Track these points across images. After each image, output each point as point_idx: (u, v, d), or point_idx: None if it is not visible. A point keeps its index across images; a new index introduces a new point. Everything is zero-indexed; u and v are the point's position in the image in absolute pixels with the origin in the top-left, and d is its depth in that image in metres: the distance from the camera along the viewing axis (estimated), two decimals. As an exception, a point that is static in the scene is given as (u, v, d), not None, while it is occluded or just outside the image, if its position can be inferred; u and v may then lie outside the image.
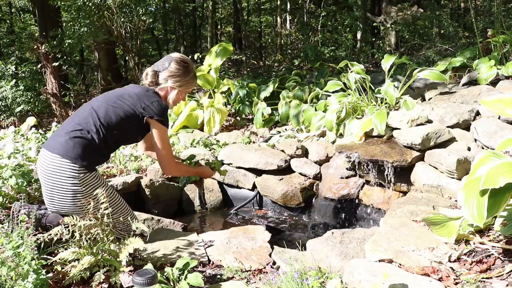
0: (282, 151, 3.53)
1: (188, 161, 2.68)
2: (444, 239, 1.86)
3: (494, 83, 3.75)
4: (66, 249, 1.88)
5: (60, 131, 2.17)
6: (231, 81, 5.50)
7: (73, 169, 2.05)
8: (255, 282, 1.90)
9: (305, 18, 10.51)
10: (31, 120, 5.52)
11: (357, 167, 3.04)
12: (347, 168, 3.17)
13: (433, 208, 2.36)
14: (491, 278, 1.59)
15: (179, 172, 2.51)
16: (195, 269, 1.97)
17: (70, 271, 1.78)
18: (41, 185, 2.18)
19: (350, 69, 3.89)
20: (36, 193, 2.78)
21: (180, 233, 2.43)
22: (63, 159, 2.05)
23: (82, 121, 2.14)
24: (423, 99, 4.02)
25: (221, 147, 3.82)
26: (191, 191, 3.51)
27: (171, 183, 3.42)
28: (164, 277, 1.82)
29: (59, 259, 1.82)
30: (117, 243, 1.93)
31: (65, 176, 2.05)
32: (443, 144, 2.87)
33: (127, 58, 10.17)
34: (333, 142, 3.61)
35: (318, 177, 3.34)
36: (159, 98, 2.23)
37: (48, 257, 1.95)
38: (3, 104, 7.32)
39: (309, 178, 3.33)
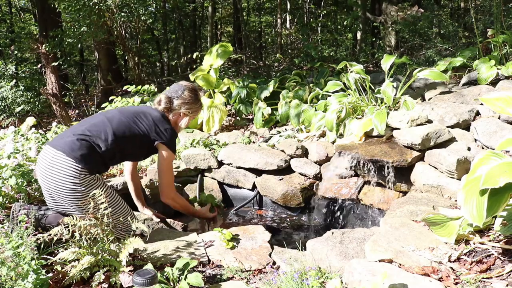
0: (282, 151, 3.53)
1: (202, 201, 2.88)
2: (444, 239, 1.86)
3: (494, 83, 3.75)
4: (66, 249, 1.88)
5: (68, 132, 2.22)
6: (231, 81, 5.50)
7: (75, 169, 2.07)
8: (255, 282, 1.90)
9: (305, 18, 10.50)
10: (30, 120, 5.52)
11: (357, 167, 3.04)
12: (347, 168, 3.17)
13: (433, 208, 2.36)
14: (491, 278, 1.59)
15: (174, 202, 2.53)
16: (195, 269, 1.97)
17: (70, 271, 1.78)
18: (40, 182, 2.19)
19: (350, 69, 3.89)
20: (36, 193, 2.78)
21: (180, 233, 2.43)
22: (67, 157, 2.08)
23: (92, 127, 2.20)
24: (423, 99, 4.02)
25: (221, 147, 3.82)
26: (191, 191, 3.51)
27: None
28: (164, 277, 1.82)
29: (59, 259, 1.82)
30: (117, 243, 1.93)
31: (66, 174, 2.06)
32: (443, 144, 2.87)
33: (127, 58, 10.16)
34: (333, 142, 3.61)
35: (318, 177, 3.34)
36: (170, 126, 2.39)
37: (48, 257, 1.95)
38: (3, 104, 7.31)
39: (309, 178, 3.33)
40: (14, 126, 4.70)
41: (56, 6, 6.70)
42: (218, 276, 1.94)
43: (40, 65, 7.97)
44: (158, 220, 2.74)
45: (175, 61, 10.65)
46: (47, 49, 6.39)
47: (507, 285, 1.52)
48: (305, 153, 3.51)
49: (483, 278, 1.60)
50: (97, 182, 2.16)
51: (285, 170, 3.39)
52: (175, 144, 2.41)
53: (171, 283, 1.81)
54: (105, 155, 2.20)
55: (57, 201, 2.16)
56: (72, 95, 9.08)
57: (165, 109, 2.42)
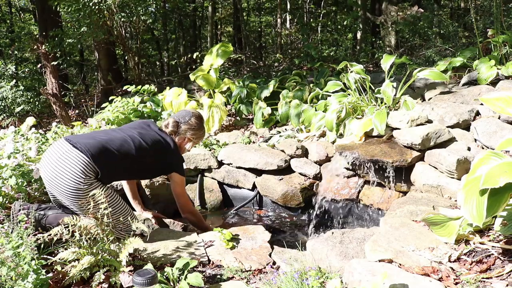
0: (282, 151, 3.53)
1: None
2: (444, 239, 1.86)
3: (494, 83, 3.75)
4: (66, 249, 1.88)
5: (89, 136, 2.27)
6: (231, 81, 5.50)
7: (84, 169, 2.08)
8: (255, 282, 1.91)
9: (305, 18, 10.50)
10: (30, 120, 5.50)
11: (357, 167, 3.04)
12: (347, 168, 3.17)
13: (433, 208, 2.36)
14: (491, 278, 1.59)
15: (192, 215, 2.67)
16: (195, 269, 1.97)
17: (70, 271, 1.78)
18: (44, 175, 2.18)
19: (350, 69, 3.89)
20: (36, 193, 2.78)
21: (180, 233, 2.43)
22: (83, 156, 2.10)
23: (115, 141, 2.26)
24: (423, 99, 4.02)
25: (221, 147, 3.82)
26: (191, 191, 3.51)
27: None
28: (164, 277, 1.82)
29: (59, 259, 1.82)
30: (117, 243, 1.93)
31: (74, 170, 2.08)
32: (443, 144, 2.88)
33: (127, 58, 10.16)
34: (333, 142, 3.61)
35: (318, 177, 3.34)
36: (180, 154, 2.57)
37: (48, 257, 1.95)
38: (3, 104, 7.30)
39: (309, 178, 3.33)
40: (14, 126, 4.69)
41: (56, 6, 6.70)
42: (218, 276, 1.94)
43: (40, 65, 7.96)
44: (154, 221, 2.75)
45: (175, 61, 10.64)
46: (47, 49, 6.38)
47: (507, 285, 1.52)
48: (305, 153, 3.51)
49: (483, 278, 1.60)
50: (98, 183, 2.17)
51: (285, 170, 3.39)
52: (183, 167, 2.60)
53: (171, 283, 1.81)
54: (118, 169, 2.28)
55: (59, 197, 2.18)
56: (72, 95, 9.07)
57: (172, 132, 2.56)
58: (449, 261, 1.73)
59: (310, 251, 2.04)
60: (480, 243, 1.82)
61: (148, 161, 2.39)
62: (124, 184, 2.87)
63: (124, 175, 2.49)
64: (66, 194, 2.10)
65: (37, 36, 9.43)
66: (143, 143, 2.34)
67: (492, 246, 1.78)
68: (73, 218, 1.84)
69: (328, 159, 3.38)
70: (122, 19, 6.71)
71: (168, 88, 5.44)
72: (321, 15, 9.76)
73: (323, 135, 3.90)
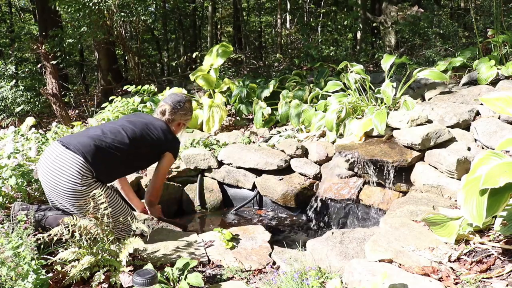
0: (282, 151, 3.53)
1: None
2: (444, 239, 1.86)
3: (494, 83, 3.75)
4: (66, 249, 1.88)
5: (83, 134, 2.26)
6: (231, 81, 5.50)
7: (81, 169, 2.08)
8: (255, 282, 1.91)
9: (305, 18, 10.50)
10: (30, 120, 5.51)
11: (357, 167, 3.04)
12: (347, 168, 3.17)
13: (433, 208, 2.36)
14: (491, 278, 1.59)
15: (156, 198, 2.64)
16: (195, 269, 1.97)
17: (70, 271, 1.78)
18: (41, 178, 2.18)
19: (350, 69, 3.89)
20: (36, 193, 2.78)
21: (180, 233, 2.44)
22: (78, 156, 2.10)
23: (108, 135, 2.25)
24: (423, 99, 4.02)
25: (221, 147, 3.82)
26: (191, 191, 3.51)
27: (171, 183, 3.43)
28: (164, 277, 1.82)
29: (59, 259, 1.82)
30: (117, 243, 1.93)
31: (70, 173, 2.08)
32: (443, 144, 2.87)
33: (127, 58, 10.16)
34: (333, 142, 3.61)
35: (318, 177, 3.33)
36: (173, 133, 2.56)
37: (48, 257, 1.95)
38: (3, 104, 7.30)
39: (309, 178, 3.33)
40: (14, 126, 4.69)
41: (56, 6, 6.70)
42: (218, 276, 1.94)
43: (40, 65, 7.96)
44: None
45: (175, 61, 10.65)
46: (47, 49, 6.38)
47: (507, 285, 1.52)
48: (305, 153, 3.51)
49: (483, 278, 1.60)
50: (97, 183, 2.16)
51: (285, 170, 3.39)
52: (178, 150, 2.60)
53: (171, 283, 1.81)
54: (114, 163, 2.26)
55: (58, 201, 2.18)
56: (72, 95, 9.07)
57: (169, 119, 2.56)
58: (449, 261, 1.73)
59: (310, 251, 2.04)
60: (480, 243, 1.82)
61: (143, 151, 2.38)
62: (117, 185, 2.81)
63: (121, 168, 2.40)
64: (64, 196, 2.09)
65: (37, 36, 9.43)
66: (136, 130, 2.35)
67: (492, 246, 1.78)
68: (73, 218, 1.84)
69: (328, 159, 3.38)
70: (122, 19, 6.72)
71: (168, 88, 5.44)
72: (321, 15, 9.77)
73: (323, 135, 3.90)
